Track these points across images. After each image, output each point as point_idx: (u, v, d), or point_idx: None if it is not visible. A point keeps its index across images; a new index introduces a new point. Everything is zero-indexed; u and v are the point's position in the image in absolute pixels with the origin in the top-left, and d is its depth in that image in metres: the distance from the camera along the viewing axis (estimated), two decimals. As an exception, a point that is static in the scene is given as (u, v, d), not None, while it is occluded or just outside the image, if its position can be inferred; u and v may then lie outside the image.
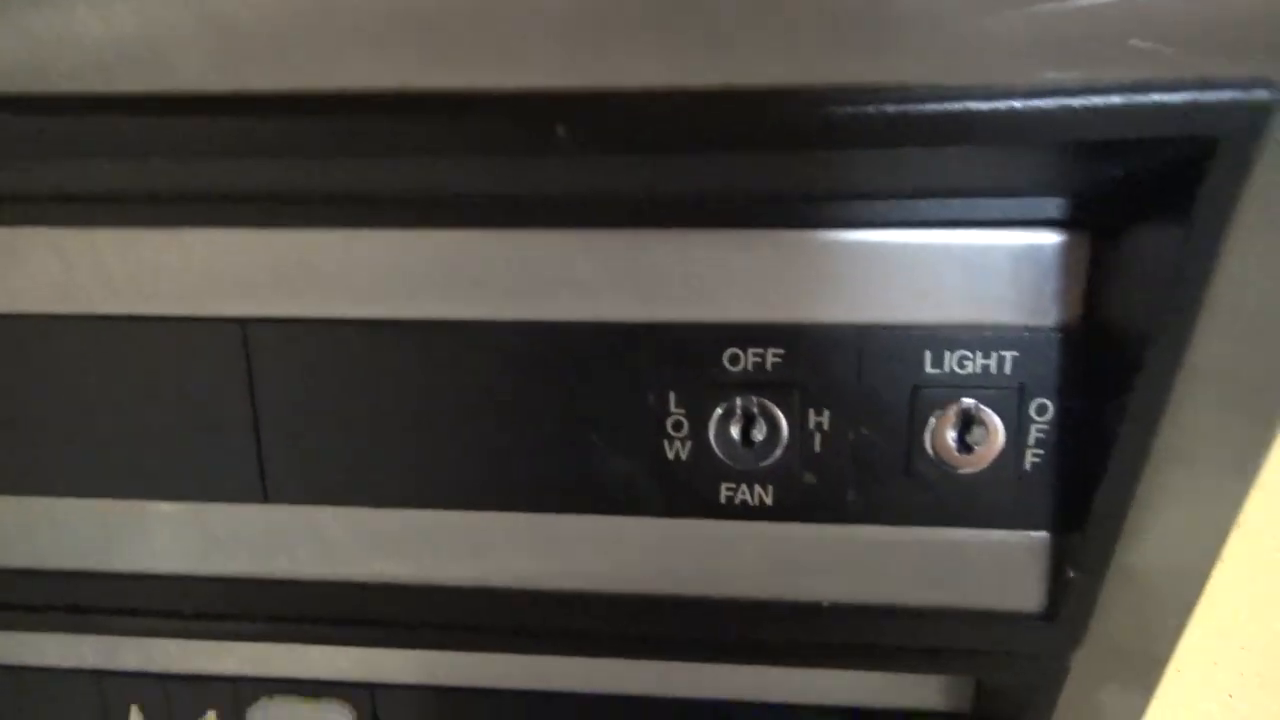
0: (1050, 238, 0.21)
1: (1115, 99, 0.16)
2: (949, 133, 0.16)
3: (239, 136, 0.17)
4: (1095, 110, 0.16)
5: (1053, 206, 0.20)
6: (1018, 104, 0.16)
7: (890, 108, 0.16)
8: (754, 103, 0.17)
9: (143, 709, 0.33)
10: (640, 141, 0.17)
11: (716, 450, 0.23)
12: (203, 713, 0.32)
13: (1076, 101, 0.16)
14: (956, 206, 0.21)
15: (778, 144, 0.17)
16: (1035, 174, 0.20)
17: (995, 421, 0.22)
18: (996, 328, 0.21)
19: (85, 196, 0.22)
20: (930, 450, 0.22)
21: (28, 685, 0.33)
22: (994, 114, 0.16)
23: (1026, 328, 0.21)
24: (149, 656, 0.32)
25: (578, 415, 0.23)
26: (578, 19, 0.17)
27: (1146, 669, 0.25)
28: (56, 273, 0.23)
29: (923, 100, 0.16)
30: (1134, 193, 0.19)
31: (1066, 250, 0.21)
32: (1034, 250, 0.21)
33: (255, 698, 0.31)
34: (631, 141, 0.17)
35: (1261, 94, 0.15)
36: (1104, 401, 0.21)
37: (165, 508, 0.25)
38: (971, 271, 0.21)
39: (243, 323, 0.23)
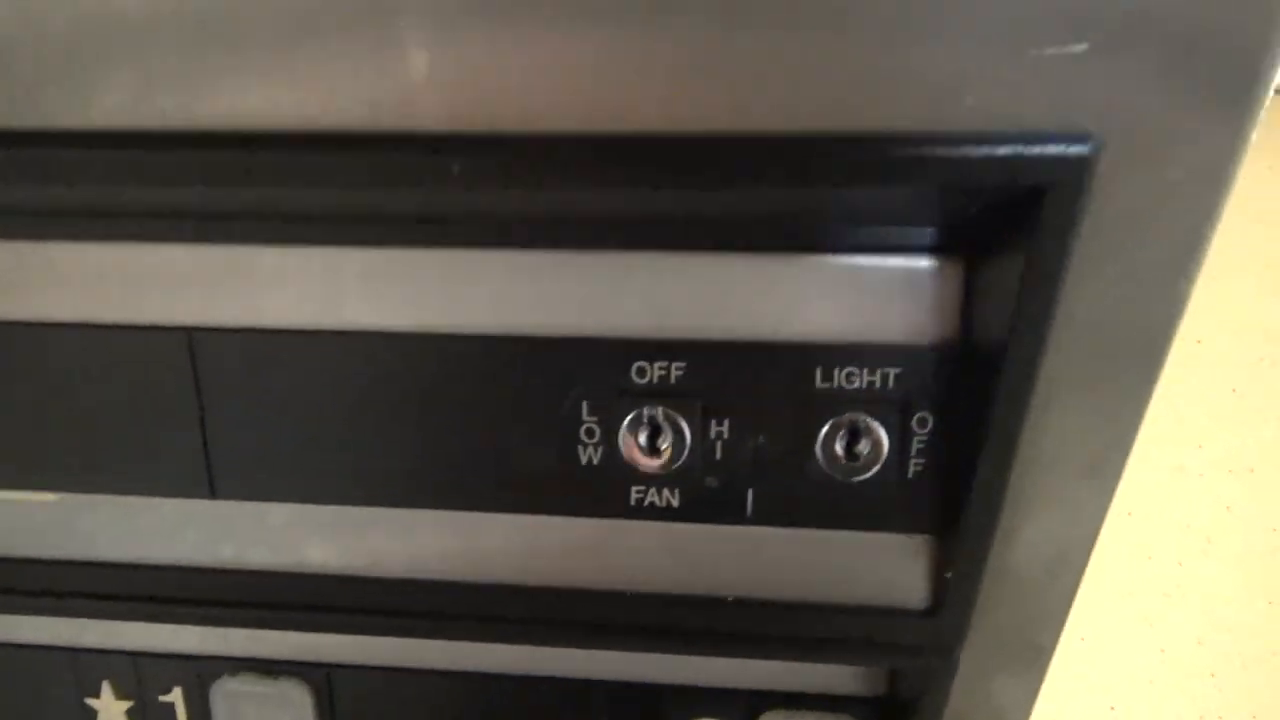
0: (928, 263, 0.22)
1: (954, 150, 0.17)
2: (798, 173, 0.17)
3: (156, 169, 0.19)
4: (935, 159, 0.17)
5: (929, 235, 0.22)
6: (866, 153, 0.17)
7: (751, 153, 0.17)
8: (633, 148, 0.18)
9: (114, 684, 0.35)
10: (531, 181, 0.19)
11: (625, 456, 0.24)
12: (169, 689, 0.34)
13: (917, 151, 0.17)
14: (844, 232, 0.22)
15: (652, 185, 0.18)
16: (909, 206, 0.21)
17: (880, 433, 0.23)
18: (881, 346, 0.23)
19: (38, 213, 0.24)
20: (821, 459, 0.24)
21: (2, 660, 0.35)
22: (841, 158, 0.17)
23: (908, 346, 0.23)
24: (120, 635, 0.34)
25: (500, 421, 0.25)
26: (474, 70, 0.19)
27: (1032, 657, 0.26)
28: (14, 281, 0.25)
29: (777, 145, 0.17)
30: (993, 225, 0.20)
31: (942, 275, 0.22)
32: (914, 274, 0.22)
33: (218, 675, 0.33)
34: (523, 181, 0.19)
35: (1080, 149, 0.17)
36: (977, 413, 0.22)
37: (119, 501, 0.27)
38: (858, 293, 0.23)
39: (188, 330, 0.25)
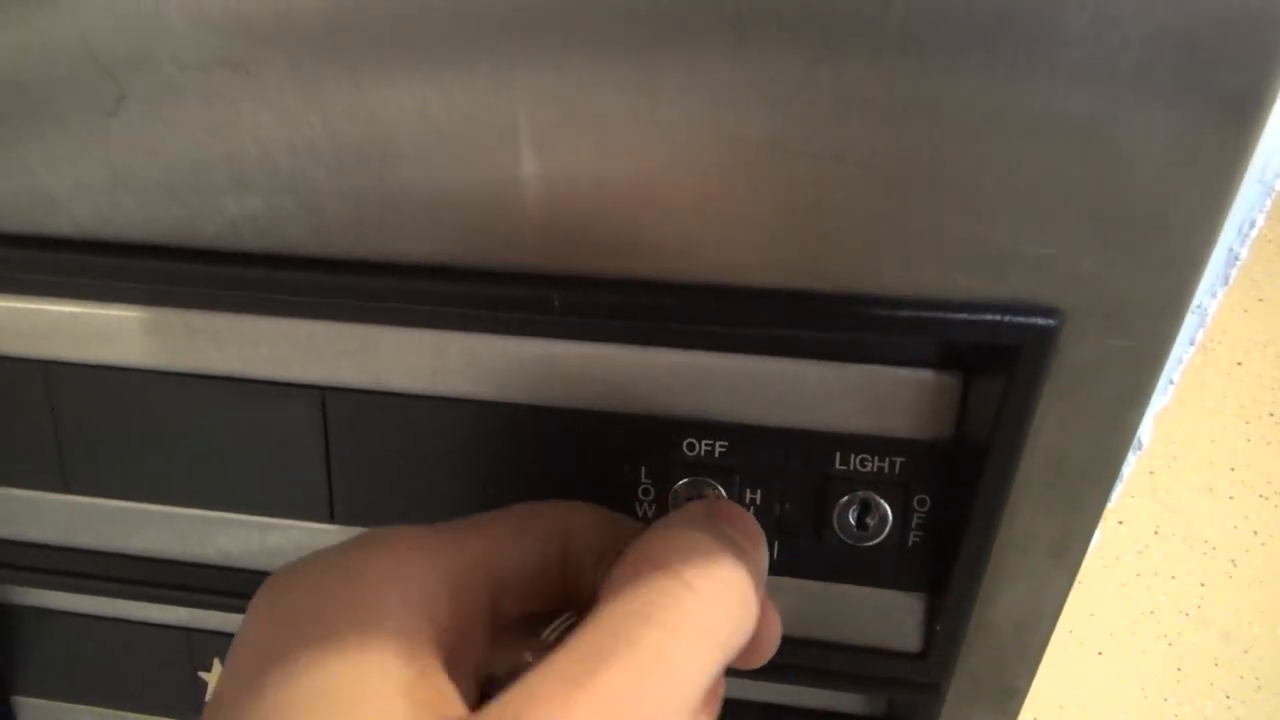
0: (932, 375, 0.27)
1: (953, 315, 0.22)
2: (825, 322, 0.22)
3: (332, 289, 0.24)
4: (937, 320, 0.22)
5: (935, 355, 0.27)
6: (883, 310, 0.22)
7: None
8: (698, 295, 0.23)
9: (223, 662, 0.41)
10: (619, 316, 0.24)
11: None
12: (270, 669, 0.40)
13: (923, 314, 0.22)
14: (868, 347, 0.27)
15: (715, 325, 0.23)
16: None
17: (886, 509, 0.28)
18: (890, 439, 0.28)
19: (206, 291, 0.29)
20: (835, 526, 0.29)
21: (129, 635, 0.41)
22: (867, 315, 0.22)
23: (912, 440, 0.28)
24: (231, 621, 0.40)
25: (573, 475, 0.30)
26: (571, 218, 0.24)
27: (1005, 696, 0.31)
28: (183, 341, 0.31)
29: (812, 299, 0.22)
30: (986, 355, 0.25)
31: (943, 385, 0.27)
32: (920, 383, 0.27)
33: (312, 660, 0.39)
34: (611, 316, 0.24)
35: (1049, 321, 0.22)
36: (965, 499, 0.27)
37: (254, 520, 0.33)
38: (875, 395, 0.28)
39: (323, 389, 0.31)
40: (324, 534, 0.33)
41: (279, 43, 0.22)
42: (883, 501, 0.28)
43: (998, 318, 0.22)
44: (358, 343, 0.30)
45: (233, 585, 0.34)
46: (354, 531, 0.32)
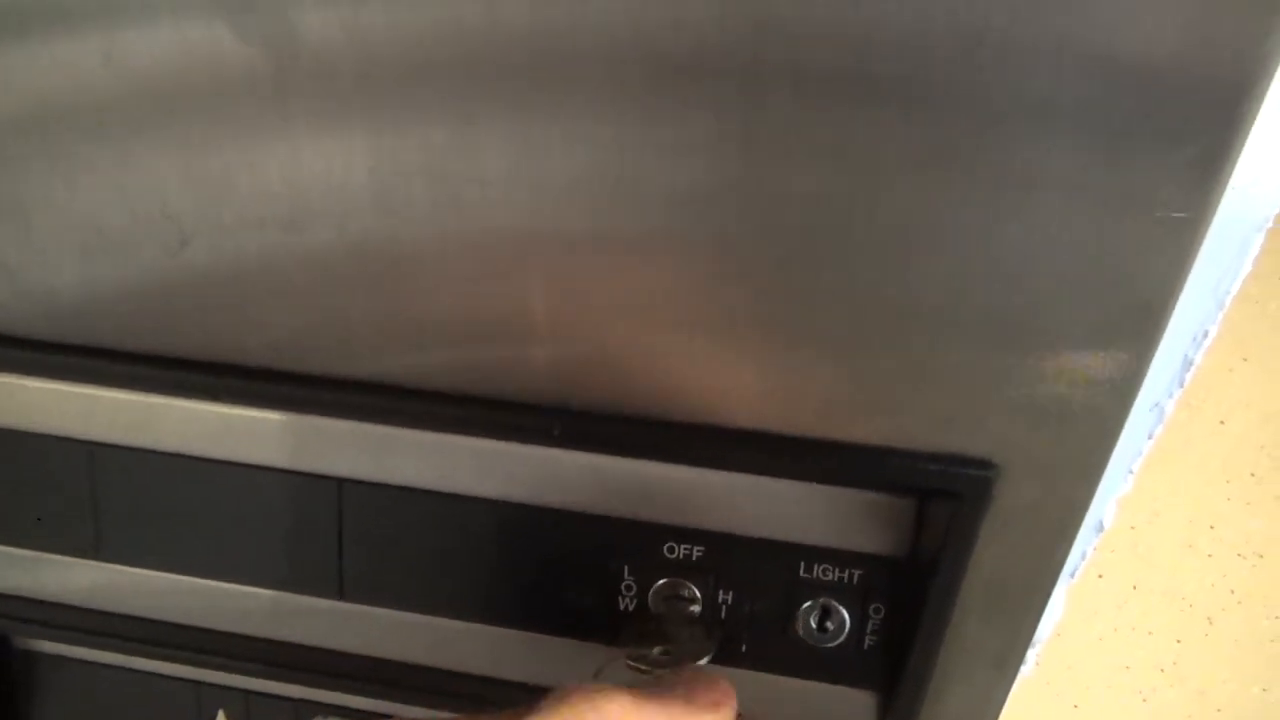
0: (891, 499, 0.30)
1: (903, 462, 0.26)
2: (785, 465, 0.26)
3: (358, 405, 0.28)
4: (889, 465, 0.26)
5: (893, 484, 0.30)
6: (840, 455, 0.26)
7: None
8: (680, 433, 0.27)
9: (228, 713, 0.43)
10: (610, 445, 0.27)
11: (652, 608, 0.33)
12: (273, 721, 0.43)
13: (877, 460, 0.26)
14: (834, 471, 0.30)
15: (694, 463, 0.27)
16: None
17: (844, 614, 0.31)
18: (850, 552, 0.31)
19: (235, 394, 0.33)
20: (799, 628, 0.32)
21: (142, 686, 0.44)
22: (827, 458, 0.26)
23: (871, 555, 0.31)
24: (237, 679, 0.42)
25: (563, 570, 0.33)
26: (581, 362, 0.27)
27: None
28: (217, 432, 0.34)
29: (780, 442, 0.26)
30: (934, 490, 0.28)
31: (898, 507, 0.30)
32: (879, 504, 0.30)
33: (312, 716, 0.42)
34: (603, 445, 0.27)
35: (984, 473, 0.25)
36: (916, 609, 0.30)
37: (266, 594, 0.36)
38: (838, 513, 0.31)
39: (339, 480, 0.34)
40: (333, 609, 0.36)
41: (328, 208, 0.25)
42: (842, 608, 0.31)
43: (941, 468, 0.25)
44: (374, 441, 0.33)
45: (248, 652, 0.37)
46: (360, 609, 0.36)
